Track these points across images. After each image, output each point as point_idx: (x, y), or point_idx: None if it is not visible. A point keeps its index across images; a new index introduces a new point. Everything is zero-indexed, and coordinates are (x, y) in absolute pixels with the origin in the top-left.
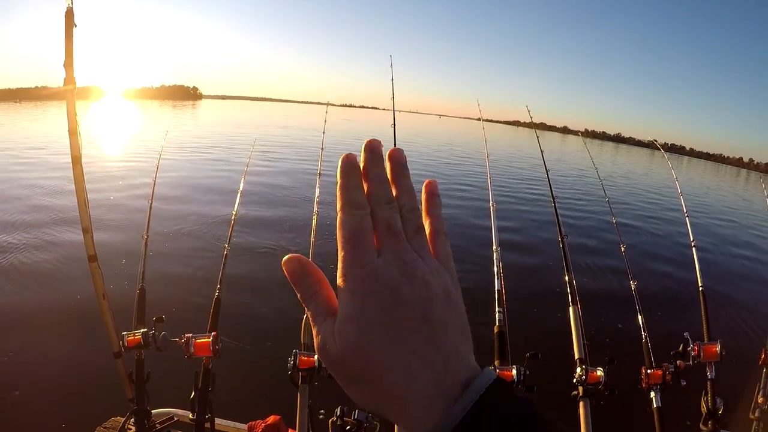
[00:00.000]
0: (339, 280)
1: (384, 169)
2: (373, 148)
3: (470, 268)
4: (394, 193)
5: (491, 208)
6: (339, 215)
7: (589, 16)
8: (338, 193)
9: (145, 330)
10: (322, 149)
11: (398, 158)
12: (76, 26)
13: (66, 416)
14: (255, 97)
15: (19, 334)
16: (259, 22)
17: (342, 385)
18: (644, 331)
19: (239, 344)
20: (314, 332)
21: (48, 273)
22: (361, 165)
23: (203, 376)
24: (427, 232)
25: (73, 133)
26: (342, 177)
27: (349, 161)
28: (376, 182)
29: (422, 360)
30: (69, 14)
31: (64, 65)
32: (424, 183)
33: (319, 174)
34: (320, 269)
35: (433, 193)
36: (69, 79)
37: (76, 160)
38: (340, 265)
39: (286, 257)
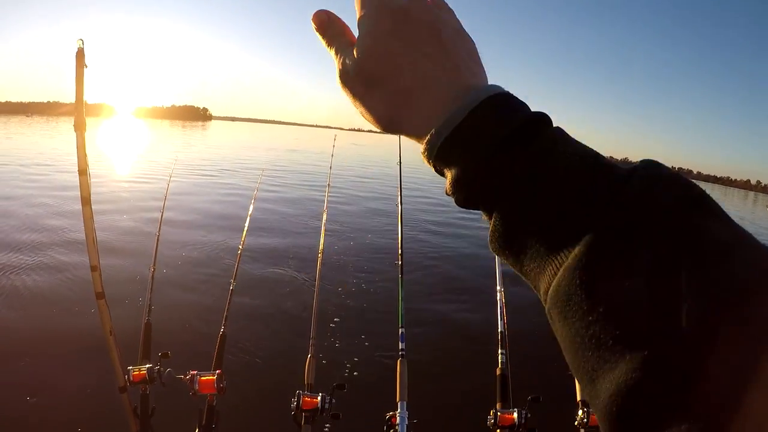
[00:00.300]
0: (358, 15)
1: None
2: None
3: (474, 306)
4: None
5: None
6: None
7: (586, 29)
8: None
9: (151, 366)
10: (329, 185)
11: None
12: (86, 67)
13: None
14: (264, 120)
15: (24, 357)
16: (274, 44)
17: (358, 100)
18: None
19: (244, 380)
20: (338, 64)
21: (58, 292)
22: None
23: (207, 413)
24: None
25: (83, 173)
26: None
27: None
28: None
29: (433, 62)
30: (80, 55)
31: (74, 107)
32: None
33: (326, 208)
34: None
35: None
36: (79, 120)
37: (86, 201)
38: (357, 5)
39: (315, 11)
